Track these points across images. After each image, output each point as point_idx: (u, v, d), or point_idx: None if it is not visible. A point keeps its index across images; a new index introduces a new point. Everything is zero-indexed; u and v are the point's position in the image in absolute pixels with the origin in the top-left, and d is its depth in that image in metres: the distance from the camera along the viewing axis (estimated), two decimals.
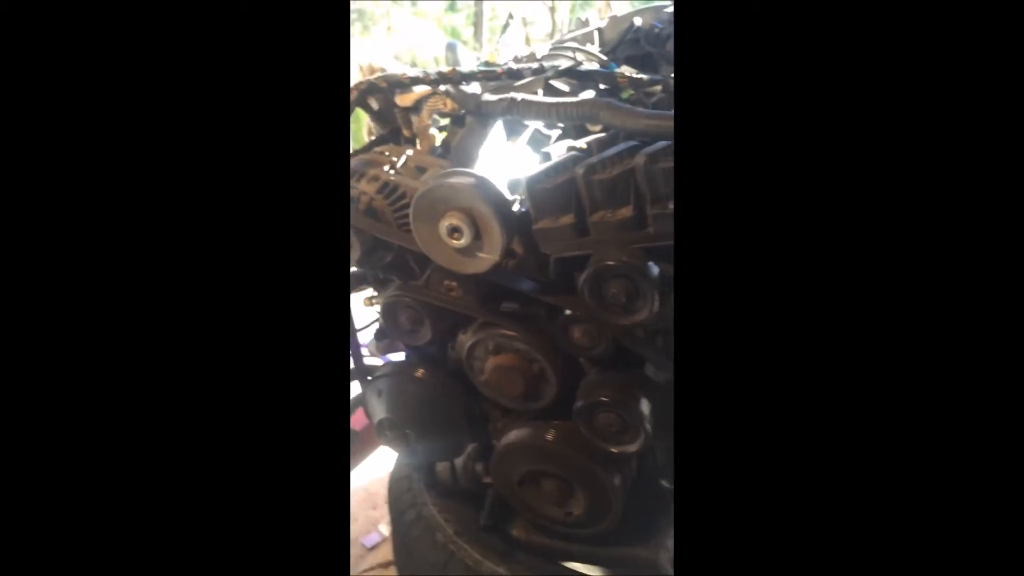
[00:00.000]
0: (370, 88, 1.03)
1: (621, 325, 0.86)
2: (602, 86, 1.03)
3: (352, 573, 1.53)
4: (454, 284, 1.01)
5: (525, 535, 1.15)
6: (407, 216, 0.92)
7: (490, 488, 1.16)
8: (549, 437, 1.00)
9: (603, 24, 1.50)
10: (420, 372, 1.10)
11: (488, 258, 0.86)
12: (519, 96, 0.90)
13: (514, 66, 1.03)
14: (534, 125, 1.05)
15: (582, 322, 0.91)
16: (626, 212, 0.80)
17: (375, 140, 1.13)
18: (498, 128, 0.99)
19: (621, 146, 0.81)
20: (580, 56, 1.23)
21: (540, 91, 1.01)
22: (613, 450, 0.95)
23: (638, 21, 1.48)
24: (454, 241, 0.85)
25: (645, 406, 0.92)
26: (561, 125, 1.05)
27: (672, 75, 1.11)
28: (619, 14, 1.50)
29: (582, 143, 0.89)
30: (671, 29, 1.39)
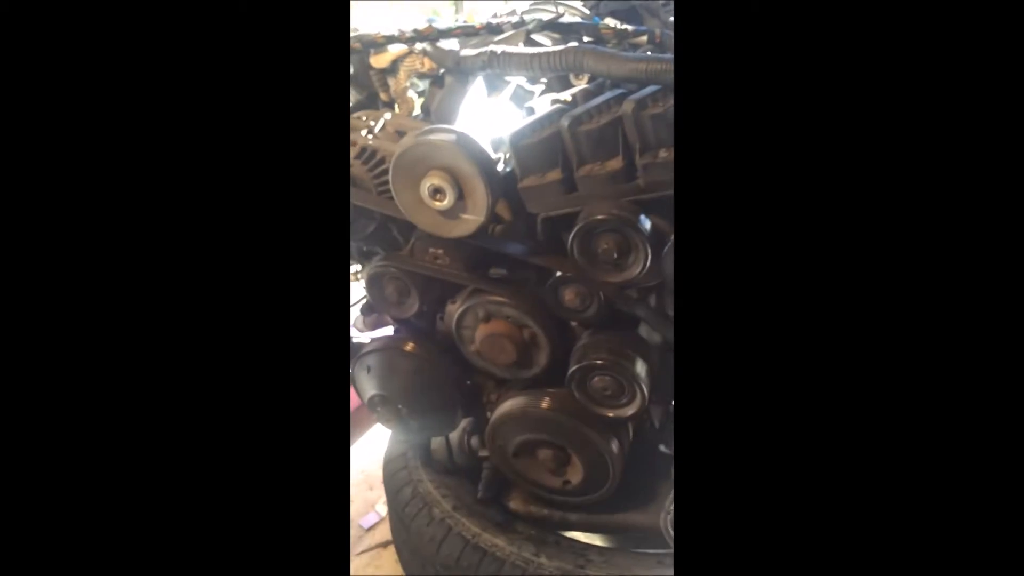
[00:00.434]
0: None
1: (613, 284, 0.83)
2: (586, 39, 0.99)
3: (350, 554, 1.51)
4: (440, 251, 0.97)
5: (523, 507, 1.13)
6: (388, 182, 0.88)
7: (486, 461, 1.14)
8: (544, 405, 0.98)
9: None
10: (410, 346, 1.07)
11: (473, 219, 0.82)
12: (499, 49, 0.86)
13: (493, 21, 0.99)
14: (516, 80, 1.00)
15: (573, 283, 0.88)
16: (615, 164, 0.76)
17: (352, 106, 1.08)
18: (479, 85, 0.95)
19: (608, 94, 0.78)
20: (561, 9, 1.18)
21: (521, 45, 0.97)
22: (609, 415, 0.93)
23: None
24: (437, 203, 0.82)
25: (641, 368, 0.89)
26: (544, 80, 1.01)
27: (658, 27, 1.07)
28: None
29: (566, 95, 0.86)
30: None
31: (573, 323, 0.98)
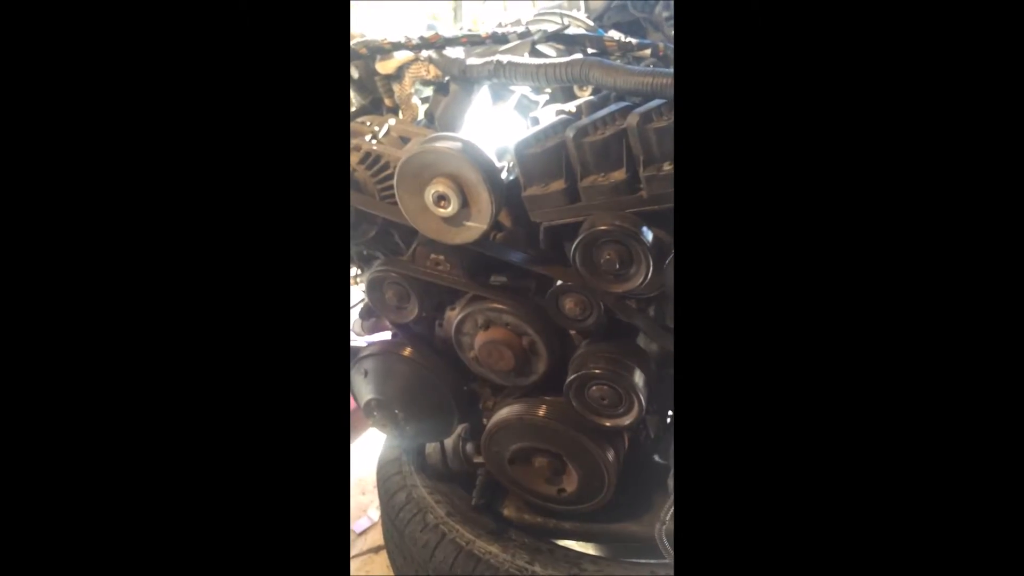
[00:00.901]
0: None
1: (614, 294, 0.84)
2: (590, 51, 1.00)
3: None
4: (441, 258, 0.97)
5: (517, 514, 1.13)
6: (391, 187, 0.88)
7: (481, 468, 1.14)
8: (541, 413, 0.98)
9: None
10: (408, 351, 1.07)
11: (476, 227, 0.83)
12: (505, 58, 0.87)
13: (499, 31, 1.00)
14: (521, 90, 1.01)
15: (573, 292, 0.88)
16: (619, 175, 0.77)
17: (355, 111, 1.08)
18: (484, 94, 0.96)
19: (612, 107, 0.79)
20: (566, 21, 1.20)
21: (526, 55, 0.98)
22: (606, 424, 0.93)
23: None
24: (441, 210, 0.82)
25: (638, 378, 0.90)
26: (549, 90, 1.02)
27: (662, 41, 1.08)
28: None
29: (571, 106, 0.86)
30: None
31: (572, 332, 0.99)
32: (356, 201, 0.95)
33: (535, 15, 1.26)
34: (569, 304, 0.90)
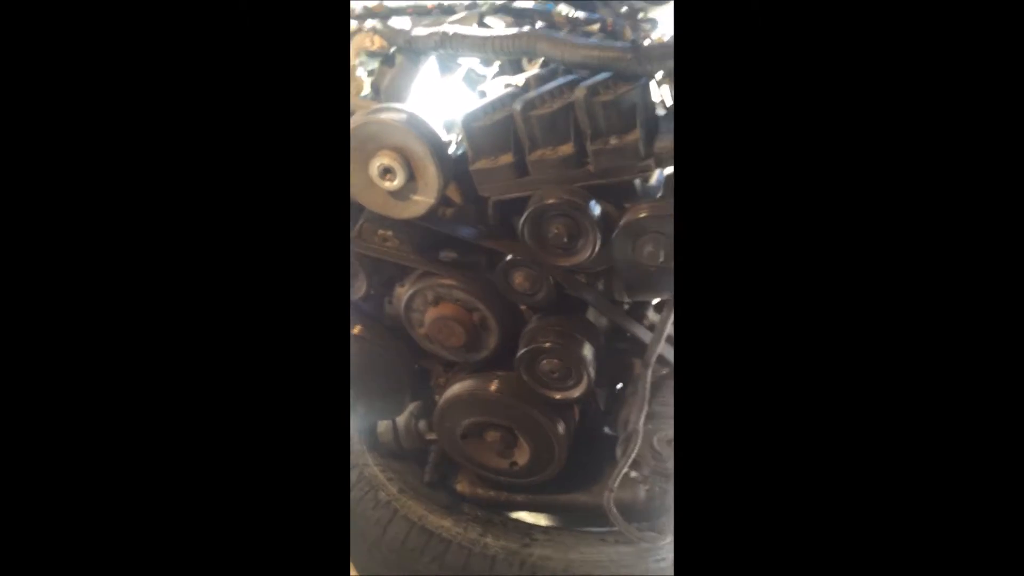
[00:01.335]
0: None
1: (563, 267, 0.84)
2: (539, 24, 0.99)
3: None
4: (389, 233, 0.96)
5: (470, 489, 1.14)
6: None
7: (434, 445, 1.14)
8: (492, 388, 0.98)
9: None
10: (357, 329, 1.06)
11: (424, 201, 0.82)
12: (452, 29, 0.85)
13: (445, 2, 0.98)
14: (469, 63, 1.00)
15: (523, 267, 0.89)
16: (566, 149, 0.77)
17: None
18: (431, 66, 0.94)
19: (560, 80, 0.78)
20: None
21: (474, 26, 0.96)
22: (556, 397, 0.95)
23: None
24: (387, 183, 0.80)
25: (588, 351, 0.91)
26: (497, 63, 1.01)
27: (609, 16, 1.08)
28: None
29: (520, 79, 0.86)
30: None
31: (523, 307, 0.99)
32: None
33: None
34: (519, 279, 0.90)
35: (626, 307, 0.94)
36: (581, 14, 0.99)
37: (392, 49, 0.95)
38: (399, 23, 0.94)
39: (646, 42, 0.77)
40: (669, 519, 0.98)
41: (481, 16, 0.98)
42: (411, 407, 1.17)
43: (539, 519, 1.12)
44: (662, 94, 0.91)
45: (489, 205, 0.86)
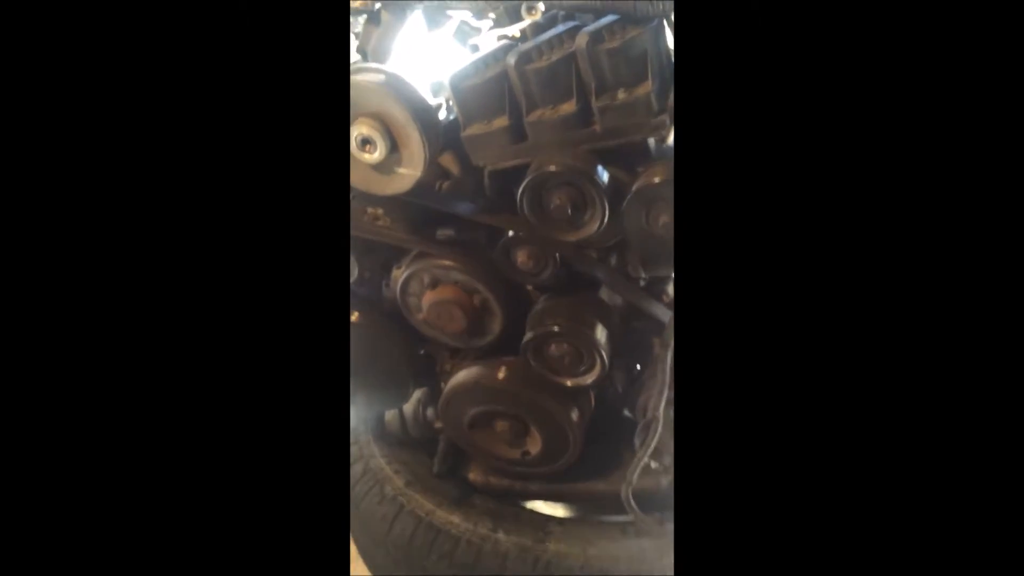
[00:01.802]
0: None
1: (569, 243, 0.76)
2: None
3: None
4: (380, 211, 0.88)
5: (482, 479, 1.08)
6: None
7: (442, 434, 1.08)
8: (499, 376, 0.91)
9: None
10: (354, 316, 0.99)
11: (409, 173, 0.73)
12: None
13: None
14: (460, 15, 0.90)
15: (526, 243, 0.81)
16: (568, 107, 0.68)
17: None
18: (417, 20, 0.84)
19: (559, 27, 0.69)
20: None
21: None
22: (568, 383, 0.88)
23: None
24: (367, 155, 0.72)
25: (601, 334, 0.83)
26: (492, 15, 0.91)
27: None
28: None
29: (515, 30, 0.76)
30: None
31: (528, 287, 0.91)
32: None
33: None
34: (522, 257, 0.82)
35: (642, 283, 0.86)
36: None
37: (377, 5, 0.86)
38: None
39: None
40: None
41: None
42: (418, 394, 1.11)
43: (555, 510, 1.06)
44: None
45: (485, 175, 0.77)
